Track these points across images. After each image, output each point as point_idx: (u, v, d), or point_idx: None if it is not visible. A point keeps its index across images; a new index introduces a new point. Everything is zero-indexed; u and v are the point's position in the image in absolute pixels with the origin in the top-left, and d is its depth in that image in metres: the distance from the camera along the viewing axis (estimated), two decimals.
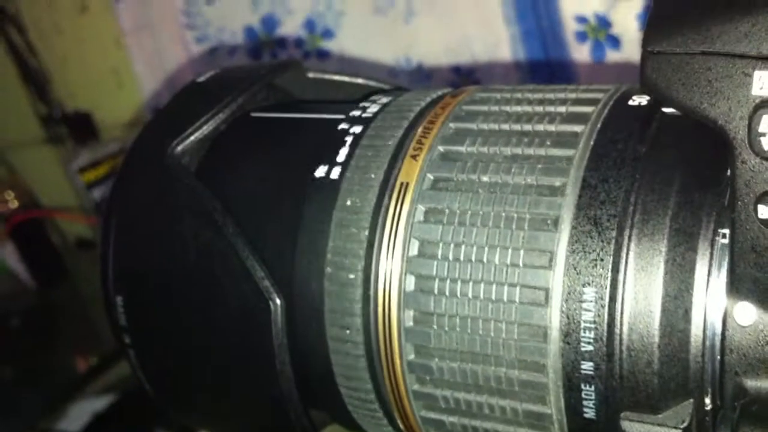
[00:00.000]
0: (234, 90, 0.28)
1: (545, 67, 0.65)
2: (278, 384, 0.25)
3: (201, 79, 0.29)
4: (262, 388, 0.26)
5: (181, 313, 0.26)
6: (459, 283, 0.22)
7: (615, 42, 0.55)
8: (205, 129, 0.27)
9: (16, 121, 1.09)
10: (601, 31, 0.59)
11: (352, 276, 0.24)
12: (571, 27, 0.61)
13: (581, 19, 0.59)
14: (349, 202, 0.24)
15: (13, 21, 1.02)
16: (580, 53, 0.60)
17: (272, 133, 0.27)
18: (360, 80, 0.29)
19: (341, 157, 0.25)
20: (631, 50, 0.55)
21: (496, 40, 0.66)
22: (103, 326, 0.98)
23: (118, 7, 0.89)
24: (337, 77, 0.29)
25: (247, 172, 0.27)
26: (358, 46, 0.77)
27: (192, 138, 0.27)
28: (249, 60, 0.83)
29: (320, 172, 0.25)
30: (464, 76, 0.71)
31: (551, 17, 0.61)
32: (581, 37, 0.61)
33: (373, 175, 0.24)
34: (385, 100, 0.27)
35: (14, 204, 0.93)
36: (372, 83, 0.29)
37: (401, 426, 0.25)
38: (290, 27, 0.80)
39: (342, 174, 0.25)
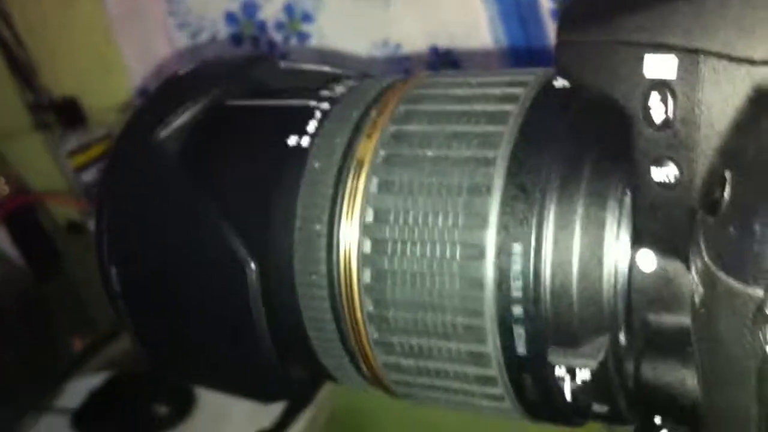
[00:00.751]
0: (211, 82, 0.31)
1: (524, 48, 0.66)
2: (256, 341, 0.29)
3: (181, 72, 0.33)
4: (243, 345, 0.29)
5: (168, 282, 0.30)
6: (409, 244, 0.26)
7: None
8: (185, 117, 0.30)
9: (4, 109, 1.11)
10: None
11: (318, 227, 0.27)
12: (546, 5, 0.62)
13: None
14: (317, 164, 0.28)
15: (0, 13, 1.04)
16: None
17: (247, 117, 0.31)
18: (327, 68, 0.32)
19: (311, 128, 0.29)
20: None
21: (474, 22, 0.67)
22: (96, 307, 1.01)
23: None
24: (306, 66, 0.33)
25: (223, 154, 0.30)
26: (337, 31, 0.78)
27: (173, 125, 0.30)
28: (230, 46, 0.85)
29: (292, 141, 0.29)
30: (443, 59, 0.72)
31: None
32: (555, 14, 0.62)
33: (337, 141, 0.28)
34: (351, 84, 0.31)
35: (5, 190, 0.95)
36: (339, 71, 0.33)
37: (365, 370, 0.29)
38: (270, 12, 0.82)
39: (311, 142, 0.28)
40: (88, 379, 0.89)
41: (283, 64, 0.33)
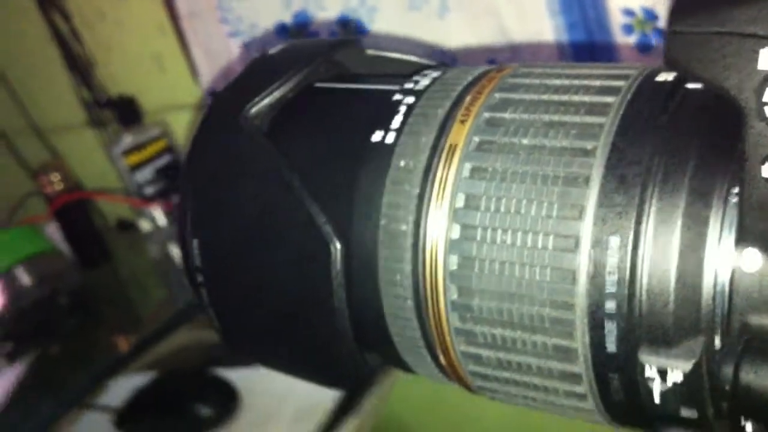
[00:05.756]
0: (300, 63, 0.31)
1: (588, 55, 0.64)
2: (334, 322, 0.28)
3: (271, 51, 0.33)
4: (320, 325, 0.29)
5: (249, 257, 0.30)
6: (499, 231, 0.25)
7: (661, 35, 0.56)
8: (275, 96, 0.30)
9: (61, 106, 1.12)
10: (647, 23, 0.60)
11: (403, 227, 0.27)
12: (617, 20, 0.61)
13: (628, 13, 0.60)
14: (402, 163, 0.27)
15: (58, 7, 1.05)
16: (626, 45, 0.61)
17: (333, 102, 0.31)
18: (412, 58, 0.32)
19: (395, 124, 0.28)
20: None
21: (538, 31, 0.66)
22: (142, 307, 1.01)
23: None
24: (391, 54, 0.33)
25: (310, 136, 0.30)
26: (391, 42, 0.78)
27: (262, 104, 0.30)
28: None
29: (376, 137, 0.28)
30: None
31: (597, 9, 0.62)
32: (627, 29, 0.61)
33: (424, 139, 0.27)
34: (435, 74, 0.30)
35: (59, 186, 0.96)
36: (423, 61, 0.32)
37: (443, 361, 0.28)
38: (323, 24, 0.82)
39: (396, 139, 0.28)
40: (132, 379, 0.90)
41: (369, 51, 0.33)
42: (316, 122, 0.30)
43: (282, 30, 0.83)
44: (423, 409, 1.02)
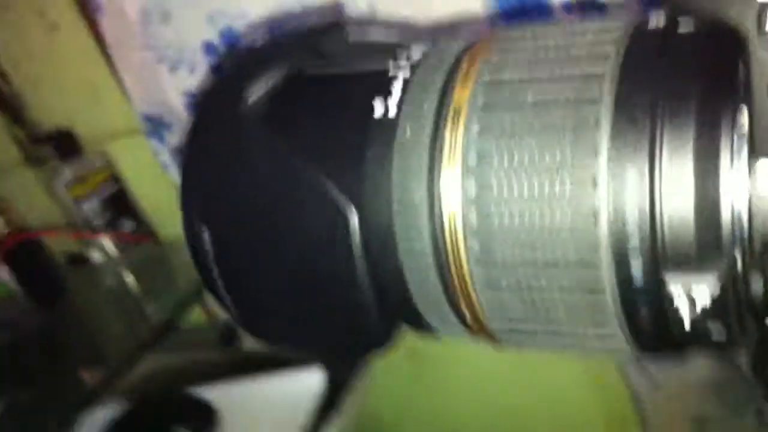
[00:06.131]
0: (286, 52, 0.32)
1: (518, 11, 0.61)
2: (358, 292, 0.29)
3: (257, 44, 0.33)
4: (344, 297, 0.29)
5: (264, 240, 0.30)
6: (515, 183, 0.26)
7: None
8: (269, 84, 0.31)
9: None
10: None
11: (417, 195, 0.27)
12: None
13: None
14: (408, 133, 0.28)
15: None
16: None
17: (327, 86, 0.31)
18: (395, 39, 0.33)
19: (395, 97, 0.29)
20: None
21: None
22: (104, 338, 0.99)
23: (101, 21, 0.89)
24: (375, 36, 0.33)
25: (310, 121, 0.30)
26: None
27: (258, 93, 0.30)
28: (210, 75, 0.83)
29: (378, 113, 0.29)
30: None
31: None
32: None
33: (426, 106, 0.28)
34: (425, 47, 0.31)
35: (5, 229, 0.94)
36: (407, 41, 0.33)
37: (468, 318, 0.29)
38: (252, 39, 0.81)
39: (398, 112, 0.28)
40: (106, 411, 0.88)
41: (352, 35, 0.33)
42: (314, 107, 0.30)
43: (210, 49, 0.82)
44: (399, 406, 1.03)
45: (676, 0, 0.25)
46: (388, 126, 0.28)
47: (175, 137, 0.95)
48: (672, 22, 0.26)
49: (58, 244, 1.08)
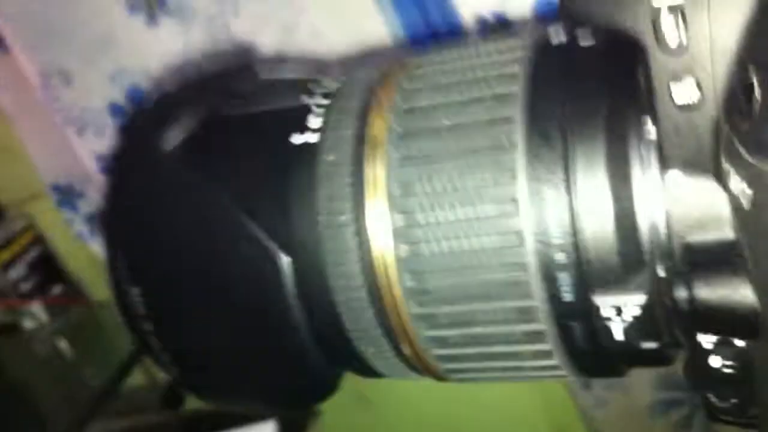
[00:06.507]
0: (198, 95, 0.31)
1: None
2: (297, 337, 0.28)
3: (169, 90, 0.33)
4: (283, 344, 0.29)
5: (196, 290, 0.29)
6: (439, 210, 0.26)
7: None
8: (184, 130, 0.30)
9: None
10: None
11: (343, 217, 0.27)
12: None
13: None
14: (331, 157, 0.28)
15: None
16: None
17: (244, 125, 0.31)
18: (307, 76, 0.33)
19: (314, 124, 0.29)
20: None
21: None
22: (42, 410, 0.97)
23: None
24: (286, 74, 0.33)
25: (229, 159, 0.30)
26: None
27: (173, 137, 0.30)
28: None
29: (298, 140, 0.29)
30: None
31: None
32: None
33: (348, 132, 0.28)
34: (336, 80, 0.31)
35: None
36: (318, 76, 0.33)
37: (407, 351, 0.29)
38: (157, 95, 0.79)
39: (319, 137, 0.29)
40: None
41: (263, 74, 0.33)
42: (232, 145, 0.30)
43: (116, 110, 0.80)
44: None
45: (571, 10, 0.26)
46: (310, 151, 0.28)
47: (89, 205, 0.93)
48: (572, 36, 0.27)
49: None
